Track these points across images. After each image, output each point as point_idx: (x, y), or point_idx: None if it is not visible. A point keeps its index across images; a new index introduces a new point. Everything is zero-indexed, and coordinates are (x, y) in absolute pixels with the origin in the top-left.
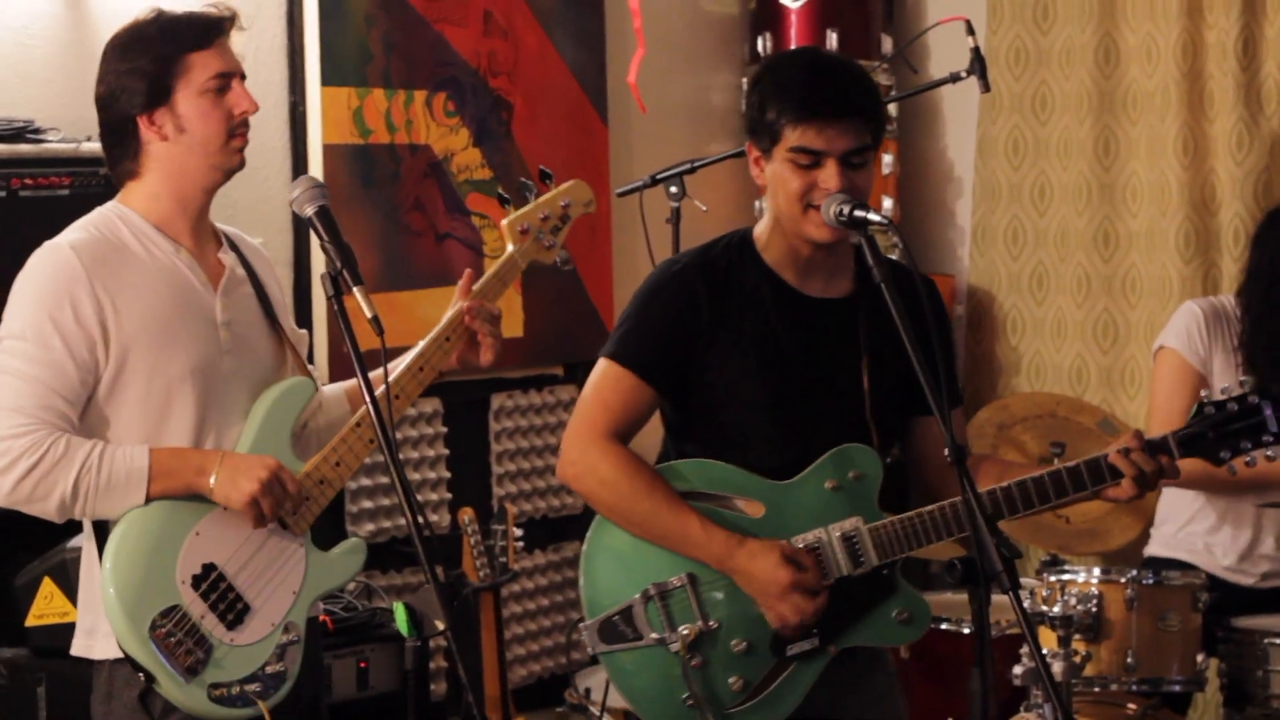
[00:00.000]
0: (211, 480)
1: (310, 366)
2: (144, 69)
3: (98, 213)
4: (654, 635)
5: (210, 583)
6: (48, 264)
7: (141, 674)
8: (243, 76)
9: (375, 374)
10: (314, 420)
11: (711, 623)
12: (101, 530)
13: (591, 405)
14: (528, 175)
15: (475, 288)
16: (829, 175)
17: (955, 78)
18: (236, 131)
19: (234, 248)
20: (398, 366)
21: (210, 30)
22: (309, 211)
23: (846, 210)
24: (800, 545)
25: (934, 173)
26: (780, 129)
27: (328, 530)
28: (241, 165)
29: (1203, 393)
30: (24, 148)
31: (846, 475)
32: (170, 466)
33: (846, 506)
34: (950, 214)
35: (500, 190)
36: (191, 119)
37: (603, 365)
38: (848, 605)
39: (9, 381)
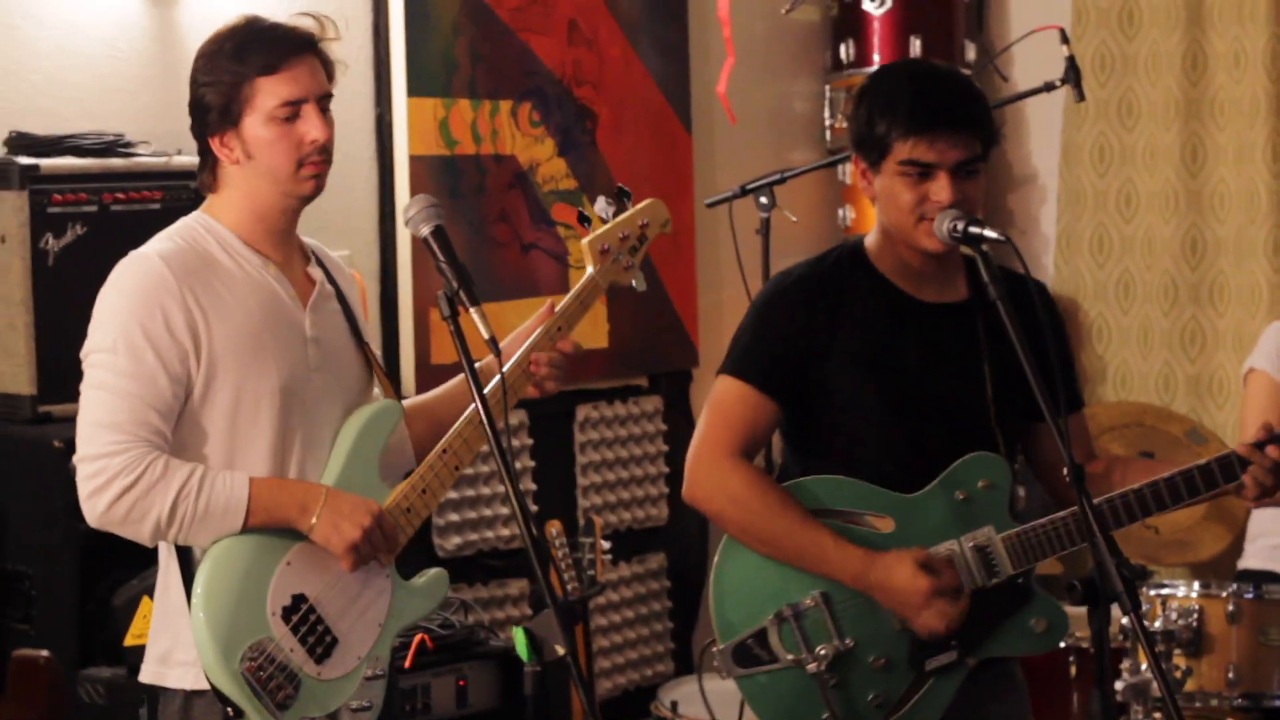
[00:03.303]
0: (313, 521)
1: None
2: (216, 89)
3: (183, 224)
4: (790, 657)
5: (301, 615)
6: (136, 273)
7: (230, 708)
8: (326, 96)
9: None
10: (391, 441)
11: (848, 641)
12: (185, 553)
13: (715, 424)
14: (612, 186)
15: (558, 312)
16: (940, 187)
17: (1050, 86)
18: (308, 161)
19: (319, 263)
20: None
21: (282, 53)
22: (424, 231)
23: (961, 227)
24: None
25: (1018, 180)
26: (889, 142)
27: (413, 543)
28: (316, 192)
29: None
30: (115, 162)
31: (976, 485)
32: (271, 501)
33: (977, 517)
34: (1035, 221)
35: (581, 209)
36: (258, 147)
37: (723, 382)
38: (984, 616)
39: (101, 397)
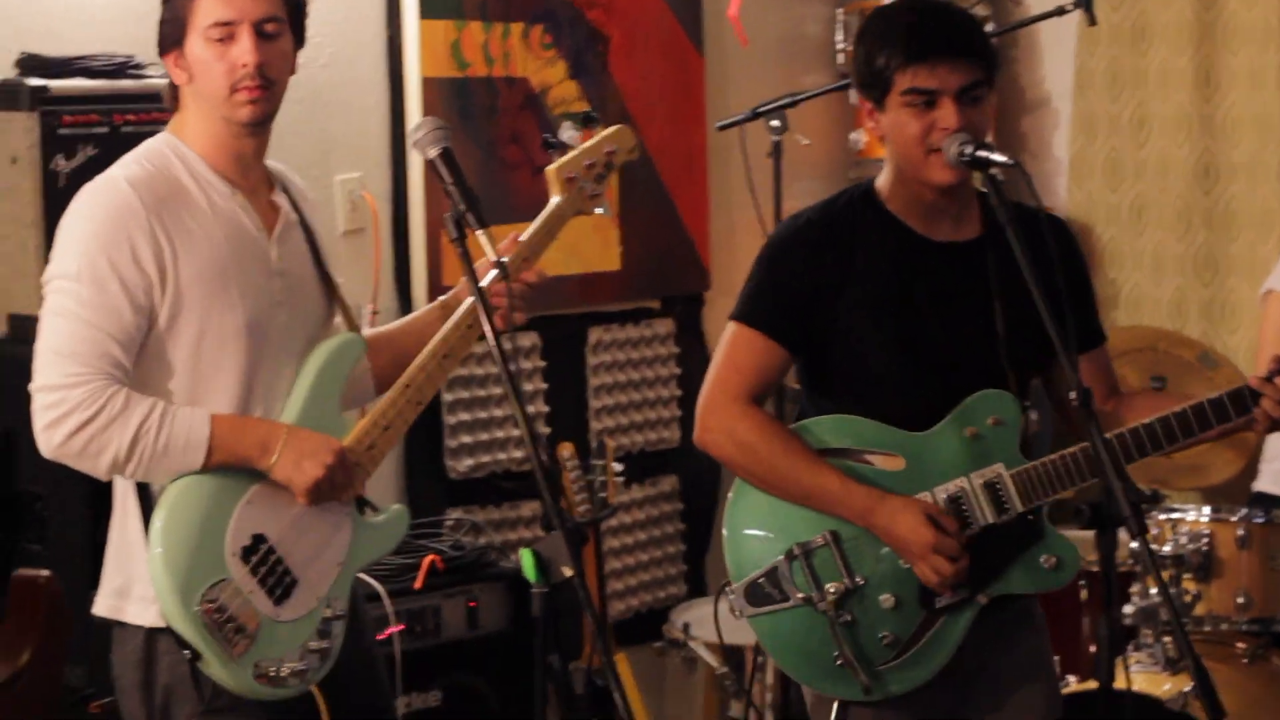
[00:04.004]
0: (274, 459)
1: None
2: (169, 6)
3: (151, 146)
4: (800, 595)
5: (260, 556)
6: (103, 200)
7: (186, 650)
8: (270, 20)
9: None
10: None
11: (858, 579)
12: (144, 489)
13: (724, 369)
14: (625, 108)
15: (523, 243)
16: (946, 114)
17: (1061, 11)
18: (240, 85)
19: (284, 189)
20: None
21: None
22: (432, 153)
23: (970, 150)
24: (943, 495)
25: (1030, 105)
26: (891, 75)
27: (424, 465)
28: (255, 118)
29: None
30: (125, 83)
31: (985, 422)
32: (232, 438)
33: (988, 453)
34: (1047, 146)
35: (546, 137)
36: (196, 67)
37: (732, 328)
38: (995, 553)
39: (61, 325)
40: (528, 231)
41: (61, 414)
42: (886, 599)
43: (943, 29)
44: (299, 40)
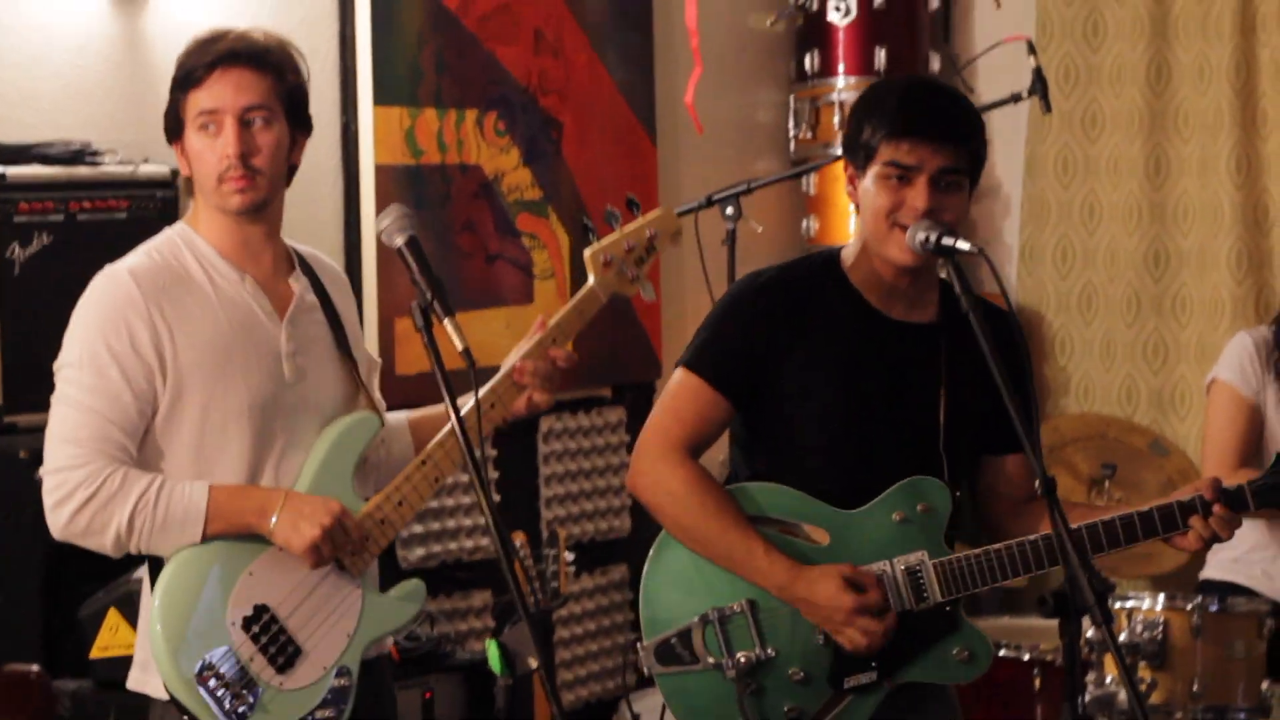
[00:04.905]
0: (272, 522)
1: (378, 396)
2: (170, 99)
3: (164, 236)
4: (710, 660)
5: (262, 625)
6: (105, 290)
7: (186, 717)
8: (255, 108)
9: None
10: (377, 454)
11: (769, 650)
12: (157, 563)
13: (666, 416)
14: (576, 196)
15: (551, 323)
16: (918, 194)
17: (1016, 98)
18: (226, 175)
19: (309, 271)
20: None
21: (208, 66)
22: (399, 242)
23: (934, 238)
24: None
25: (981, 192)
26: (875, 145)
27: (380, 556)
28: (244, 207)
29: None
30: (81, 170)
31: (915, 508)
32: (230, 507)
33: (912, 540)
34: (997, 232)
35: (586, 220)
36: (192, 158)
37: (679, 375)
38: (908, 640)
39: (65, 412)
40: (559, 312)
41: (64, 495)
42: (795, 673)
43: (934, 110)
44: (302, 128)
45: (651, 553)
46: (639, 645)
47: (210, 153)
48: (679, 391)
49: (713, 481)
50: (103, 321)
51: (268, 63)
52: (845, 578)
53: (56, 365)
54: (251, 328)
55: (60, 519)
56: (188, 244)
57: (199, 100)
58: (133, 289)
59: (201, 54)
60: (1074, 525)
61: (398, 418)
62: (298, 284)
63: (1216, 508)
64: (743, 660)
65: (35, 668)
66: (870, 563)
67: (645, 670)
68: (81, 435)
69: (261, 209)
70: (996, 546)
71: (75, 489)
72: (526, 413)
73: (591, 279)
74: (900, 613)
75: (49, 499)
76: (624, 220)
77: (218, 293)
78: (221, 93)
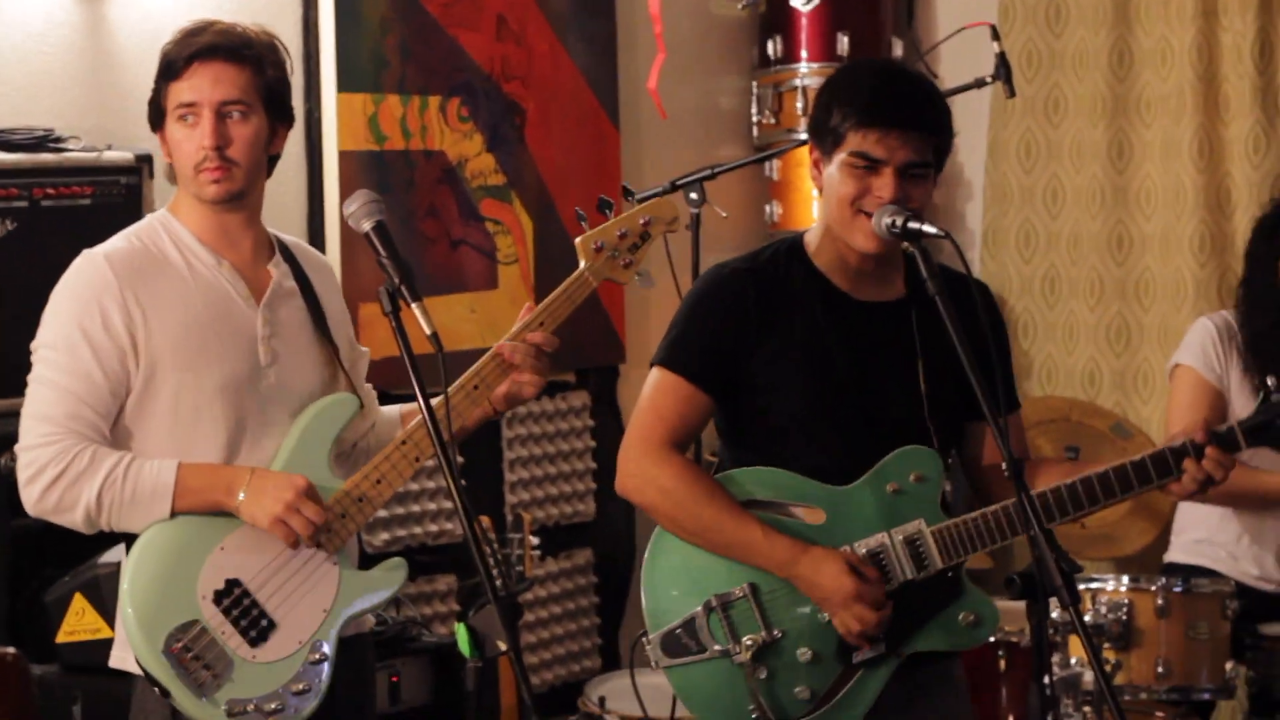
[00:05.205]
0: (239, 498)
1: (368, 386)
2: (154, 89)
3: (145, 222)
4: (718, 647)
5: (234, 599)
6: (81, 273)
7: (157, 689)
8: (233, 102)
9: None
10: (365, 440)
11: (776, 632)
12: (131, 540)
13: (646, 415)
14: (541, 180)
15: (540, 306)
16: (884, 184)
17: (980, 83)
18: (201, 166)
19: (291, 259)
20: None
21: (187, 58)
22: (366, 227)
23: (900, 222)
24: (863, 550)
25: (944, 176)
26: (843, 133)
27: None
28: (219, 197)
29: (1270, 380)
30: (45, 157)
31: (908, 478)
32: (198, 483)
33: (909, 509)
34: (960, 217)
35: (578, 209)
36: (171, 146)
37: (655, 374)
38: (913, 610)
39: (39, 391)
40: (549, 297)
41: (34, 472)
42: (804, 652)
43: (905, 101)
44: (283, 120)
45: (649, 549)
46: (644, 639)
47: (188, 143)
48: (657, 390)
49: (701, 472)
50: (77, 303)
51: (247, 56)
52: (848, 562)
53: (33, 345)
54: (227, 312)
55: (31, 495)
56: (167, 229)
57: (179, 92)
58: (107, 272)
59: (183, 46)
60: (1069, 480)
61: (392, 410)
62: (276, 270)
63: (1209, 450)
64: (749, 643)
65: (12, 650)
66: (868, 536)
67: (654, 664)
68: (54, 413)
69: (238, 198)
70: (993, 508)
71: (45, 465)
72: (506, 407)
73: (582, 264)
74: (904, 583)
75: (21, 475)
76: (617, 210)
77: (194, 277)
78: (200, 85)
